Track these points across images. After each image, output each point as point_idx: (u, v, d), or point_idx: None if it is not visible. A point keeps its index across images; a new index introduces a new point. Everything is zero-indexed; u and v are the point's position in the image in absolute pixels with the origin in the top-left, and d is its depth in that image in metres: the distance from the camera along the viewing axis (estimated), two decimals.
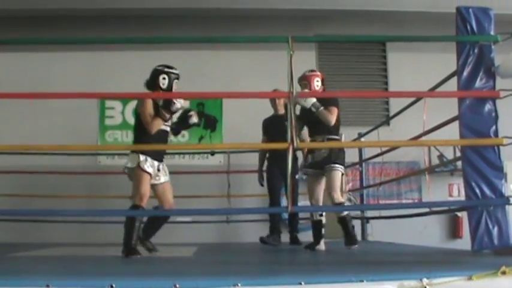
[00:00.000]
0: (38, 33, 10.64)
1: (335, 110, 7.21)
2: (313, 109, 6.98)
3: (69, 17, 10.99)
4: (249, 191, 9.61)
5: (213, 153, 10.53)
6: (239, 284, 3.61)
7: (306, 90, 7.20)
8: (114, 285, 3.57)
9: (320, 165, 7.27)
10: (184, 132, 11.15)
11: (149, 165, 6.58)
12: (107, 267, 5.36)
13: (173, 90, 6.71)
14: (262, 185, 8.85)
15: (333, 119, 7.16)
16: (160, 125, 6.61)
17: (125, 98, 10.80)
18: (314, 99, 6.98)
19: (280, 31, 10.40)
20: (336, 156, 7.25)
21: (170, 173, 10.25)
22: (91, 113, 10.76)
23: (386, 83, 11.90)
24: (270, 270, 5.16)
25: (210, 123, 11.18)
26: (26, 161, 9.69)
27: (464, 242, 7.12)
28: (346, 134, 9.10)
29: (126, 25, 10.86)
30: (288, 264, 5.93)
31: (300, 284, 3.65)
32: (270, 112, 8.80)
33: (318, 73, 7.45)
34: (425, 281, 3.74)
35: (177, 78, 6.75)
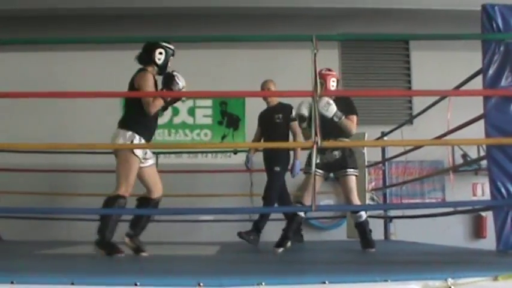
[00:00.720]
0: (61, 32, 10.68)
1: (355, 119, 7.07)
2: (336, 119, 6.73)
3: (89, 16, 11.01)
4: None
5: (235, 152, 10.50)
6: (263, 283, 3.60)
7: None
8: (138, 283, 3.58)
9: (331, 168, 7.10)
10: (207, 131, 11.19)
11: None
12: (130, 265, 5.39)
13: (167, 67, 6.35)
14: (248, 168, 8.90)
15: (354, 129, 7.00)
16: (160, 106, 6.22)
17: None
18: (335, 108, 6.70)
19: (303, 30, 10.36)
20: (351, 160, 7.13)
21: (193, 172, 10.28)
22: (114, 113, 10.80)
23: (409, 82, 11.83)
24: (293, 269, 5.14)
25: (233, 122, 11.19)
26: (50, 159, 9.74)
27: (488, 242, 7.07)
28: (369, 133, 9.05)
29: (145, 24, 10.88)
30: (311, 263, 5.89)
31: (324, 283, 3.64)
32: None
33: (334, 73, 7.22)
34: (450, 281, 3.71)
35: (173, 55, 6.40)
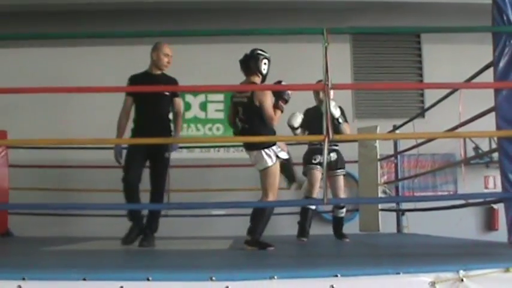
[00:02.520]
0: (70, 28, 10.71)
1: (349, 126, 7.89)
2: (341, 120, 7.55)
3: (98, 11, 10.97)
4: (284, 184, 9.60)
5: None
6: (275, 277, 3.63)
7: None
8: (150, 278, 3.61)
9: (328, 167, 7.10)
10: (219, 126, 11.21)
11: None
12: (142, 260, 5.40)
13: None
14: None
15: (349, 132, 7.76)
16: (280, 117, 6.40)
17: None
18: (339, 112, 7.60)
19: (314, 23, 10.35)
20: (341, 162, 8.05)
21: (206, 166, 10.30)
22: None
23: (421, 75, 11.80)
24: (305, 262, 5.19)
25: None
26: (61, 155, 9.79)
27: (500, 234, 7.06)
28: (382, 126, 9.06)
29: (157, 19, 10.87)
30: (323, 256, 5.93)
31: (336, 276, 3.67)
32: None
33: None
34: (462, 273, 3.73)
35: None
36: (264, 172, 6.42)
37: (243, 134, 6.56)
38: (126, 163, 6.87)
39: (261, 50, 6.56)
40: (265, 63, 6.48)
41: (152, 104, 6.92)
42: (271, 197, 6.44)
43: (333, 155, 7.86)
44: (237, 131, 6.69)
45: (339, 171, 7.98)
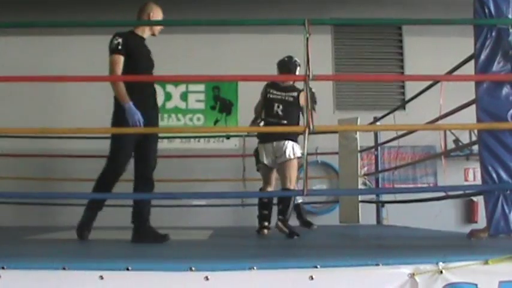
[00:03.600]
0: (53, 16, 10.61)
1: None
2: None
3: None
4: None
5: (228, 137, 10.52)
6: (255, 267, 3.62)
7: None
8: (130, 268, 3.59)
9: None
10: (200, 116, 11.18)
11: None
12: (122, 250, 5.39)
13: None
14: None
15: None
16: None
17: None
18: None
19: (295, 14, 10.34)
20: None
21: (186, 156, 10.30)
22: (107, 96, 10.77)
23: (402, 67, 11.82)
24: (285, 253, 5.19)
25: (226, 107, 11.15)
26: (41, 144, 9.71)
27: (480, 227, 7.08)
28: (362, 118, 9.07)
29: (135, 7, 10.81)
30: (303, 247, 5.92)
31: (316, 267, 3.67)
32: None
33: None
34: (441, 264, 3.74)
35: None
36: (290, 162, 7.09)
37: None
38: (116, 148, 6.08)
39: (296, 58, 7.34)
40: (298, 70, 7.23)
41: (149, 71, 6.22)
42: (293, 186, 7.15)
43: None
44: (270, 124, 7.32)
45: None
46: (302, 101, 7.03)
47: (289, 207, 7.05)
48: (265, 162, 7.30)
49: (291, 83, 7.34)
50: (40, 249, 5.45)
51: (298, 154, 7.06)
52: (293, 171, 7.15)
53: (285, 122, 7.12)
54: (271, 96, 7.27)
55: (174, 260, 4.26)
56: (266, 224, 7.44)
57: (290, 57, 7.39)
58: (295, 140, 7.10)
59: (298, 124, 7.08)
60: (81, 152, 9.85)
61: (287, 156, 7.05)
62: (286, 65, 7.34)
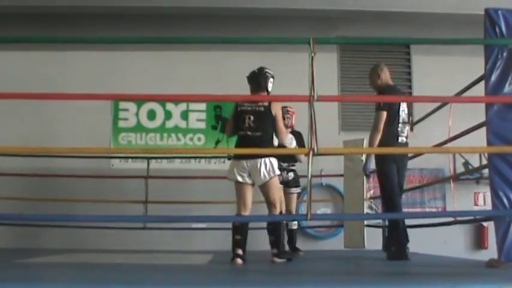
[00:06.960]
0: (51, 31, 10.54)
1: None
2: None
3: (82, 15, 10.87)
4: None
5: (229, 158, 10.32)
6: None
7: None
8: None
9: (284, 185, 8.49)
10: (201, 136, 11.06)
11: None
12: (119, 276, 5.23)
13: None
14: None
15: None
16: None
17: (139, 100, 10.63)
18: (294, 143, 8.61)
19: (301, 33, 10.18)
20: (298, 181, 8.88)
21: (186, 177, 10.18)
22: (104, 114, 10.63)
23: (410, 87, 11.72)
24: (289, 279, 5.07)
25: None
26: (36, 163, 9.52)
27: (490, 253, 6.92)
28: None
29: (140, 24, 10.72)
30: (307, 273, 5.80)
31: None
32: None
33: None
34: None
35: None
36: (270, 183, 6.69)
37: (250, 142, 6.74)
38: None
39: (268, 68, 7.07)
40: (271, 82, 7.00)
41: None
42: (278, 209, 6.88)
43: (291, 175, 8.76)
44: (242, 138, 6.90)
45: (293, 189, 8.79)
46: (275, 109, 6.81)
47: (281, 237, 6.81)
48: (239, 179, 6.76)
49: (264, 93, 7.00)
50: (36, 273, 5.31)
51: (277, 172, 6.70)
52: (275, 192, 6.79)
53: (258, 133, 6.76)
54: (242, 108, 6.90)
55: (171, 286, 4.21)
56: (240, 251, 6.62)
57: (261, 69, 7.06)
58: (270, 155, 6.66)
59: (272, 135, 6.89)
60: (77, 172, 9.70)
61: (262, 177, 6.61)
62: (256, 78, 7.00)
